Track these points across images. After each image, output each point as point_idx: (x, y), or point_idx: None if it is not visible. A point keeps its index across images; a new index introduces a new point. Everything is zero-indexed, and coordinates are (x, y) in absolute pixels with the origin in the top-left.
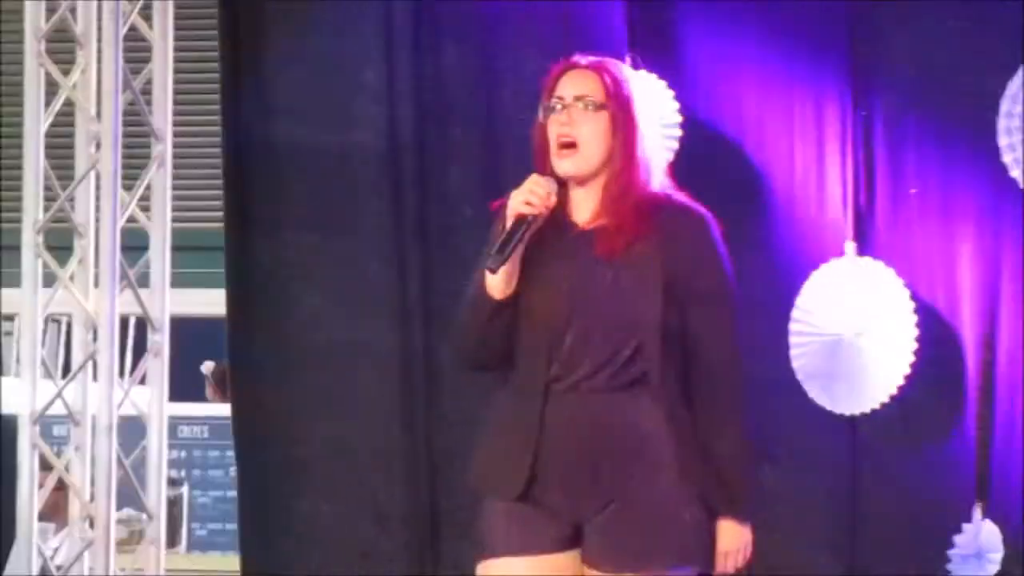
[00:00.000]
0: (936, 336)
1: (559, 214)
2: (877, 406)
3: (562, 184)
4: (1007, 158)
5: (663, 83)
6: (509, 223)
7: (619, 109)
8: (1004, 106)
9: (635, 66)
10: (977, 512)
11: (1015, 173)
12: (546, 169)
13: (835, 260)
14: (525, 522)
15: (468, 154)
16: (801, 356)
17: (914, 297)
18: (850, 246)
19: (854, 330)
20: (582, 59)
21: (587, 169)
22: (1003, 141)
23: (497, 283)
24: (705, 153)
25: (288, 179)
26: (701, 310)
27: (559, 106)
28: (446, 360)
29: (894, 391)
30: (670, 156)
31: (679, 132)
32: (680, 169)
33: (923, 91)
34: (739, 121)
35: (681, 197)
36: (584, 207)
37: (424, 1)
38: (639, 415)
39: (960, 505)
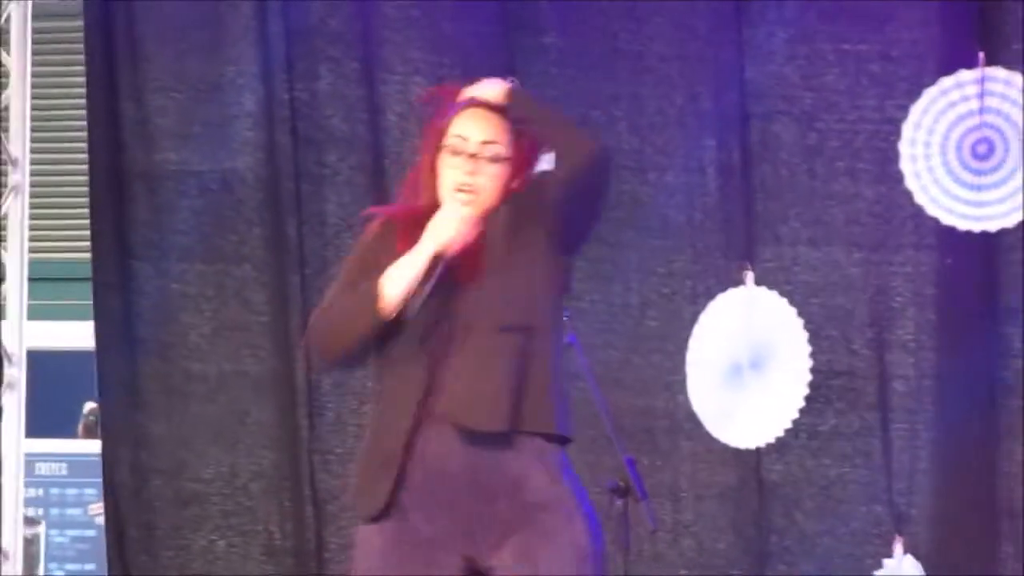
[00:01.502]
0: (837, 365)
1: None
2: (772, 440)
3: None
4: (911, 184)
5: None
6: (426, 262)
7: (518, 158)
8: (906, 132)
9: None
10: (898, 547)
11: (920, 199)
12: (421, 200)
13: (732, 290)
14: (407, 557)
15: (346, 181)
16: (698, 387)
17: (811, 325)
18: (749, 276)
19: (749, 360)
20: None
21: (481, 212)
22: (907, 167)
23: (394, 308)
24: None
25: (168, 206)
26: None
27: (463, 150)
28: (329, 394)
29: (789, 424)
30: None
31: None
32: None
33: (822, 114)
34: (636, 148)
35: None
36: None
37: (297, 24)
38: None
39: (879, 538)
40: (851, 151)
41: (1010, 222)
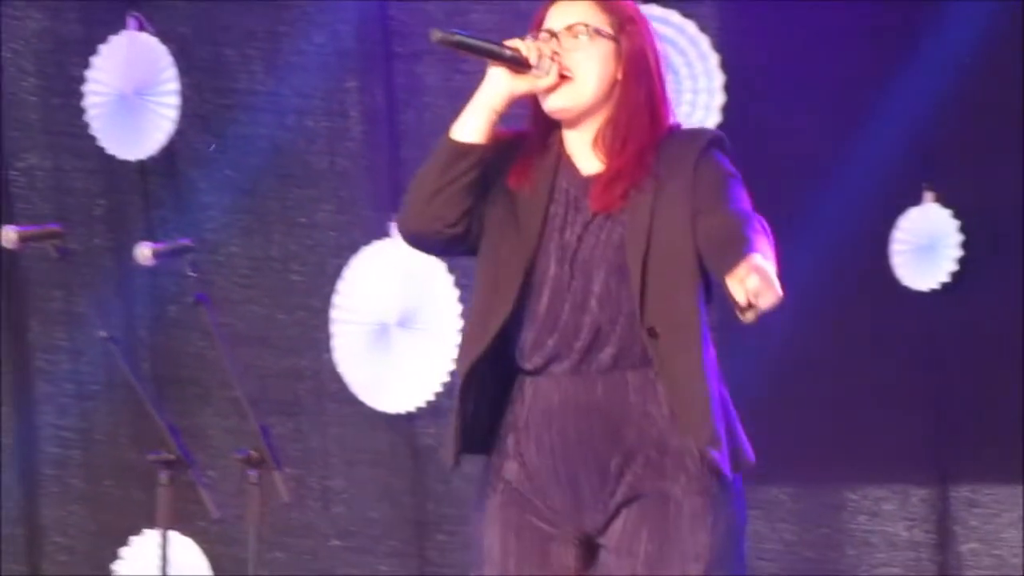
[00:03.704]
0: None
1: (564, 159)
2: (424, 404)
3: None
4: None
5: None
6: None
7: (625, 36)
8: None
9: (140, 27)
10: None
11: None
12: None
13: (377, 242)
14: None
15: None
16: (345, 348)
17: (466, 280)
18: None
19: (397, 318)
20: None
21: (581, 103)
22: None
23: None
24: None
25: None
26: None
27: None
28: None
29: (440, 388)
30: (169, 125)
31: (175, 100)
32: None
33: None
34: (273, 91)
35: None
36: (583, 155)
37: None
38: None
39: None
40: None
41: None
